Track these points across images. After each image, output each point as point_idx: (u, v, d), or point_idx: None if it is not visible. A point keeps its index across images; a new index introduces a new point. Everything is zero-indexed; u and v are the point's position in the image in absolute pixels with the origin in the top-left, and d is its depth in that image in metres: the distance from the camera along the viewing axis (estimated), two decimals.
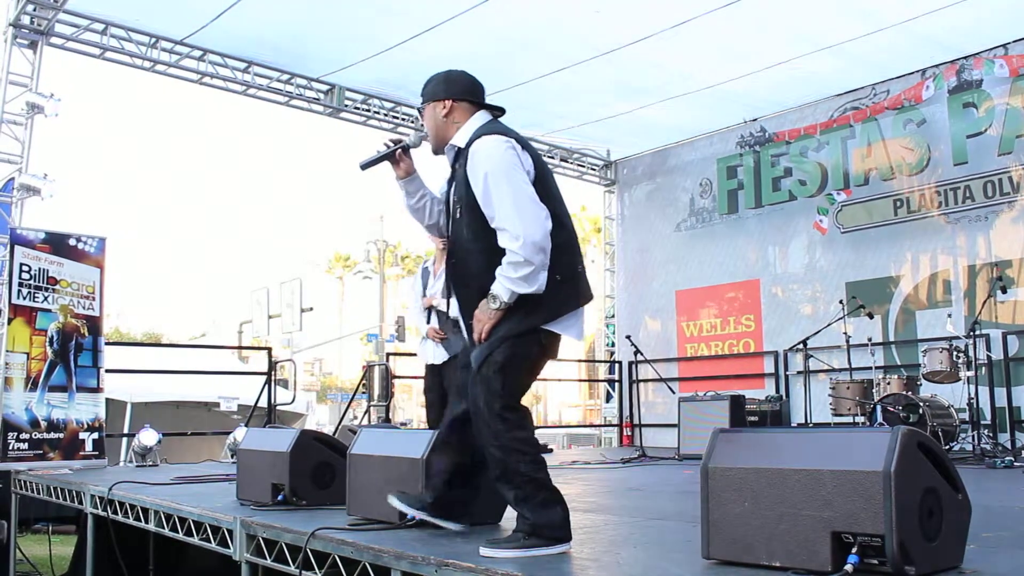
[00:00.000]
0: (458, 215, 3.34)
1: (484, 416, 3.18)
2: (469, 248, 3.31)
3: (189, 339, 40.37)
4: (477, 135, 3.30)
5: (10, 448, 7.16)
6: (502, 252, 3.14)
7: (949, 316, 8.92)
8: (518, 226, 3.11)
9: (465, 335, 3.42)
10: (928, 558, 2.46)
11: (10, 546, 7.10)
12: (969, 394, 7.79)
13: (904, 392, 8.04)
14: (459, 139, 3.38)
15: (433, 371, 6.84)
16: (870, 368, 8.58)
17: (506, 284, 3.13)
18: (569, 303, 3.28)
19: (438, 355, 6.71)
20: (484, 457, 3.31)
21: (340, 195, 77.10)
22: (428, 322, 6.80)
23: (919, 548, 2.42)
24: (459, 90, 3.44)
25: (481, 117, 3.43)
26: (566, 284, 3.25)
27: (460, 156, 3.35)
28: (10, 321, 7.32)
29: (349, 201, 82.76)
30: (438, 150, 3.51)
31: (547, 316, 3.23)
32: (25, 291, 7.44)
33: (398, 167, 3.53)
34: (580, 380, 24.52)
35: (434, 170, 3.66)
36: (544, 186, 3.26)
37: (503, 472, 3.17)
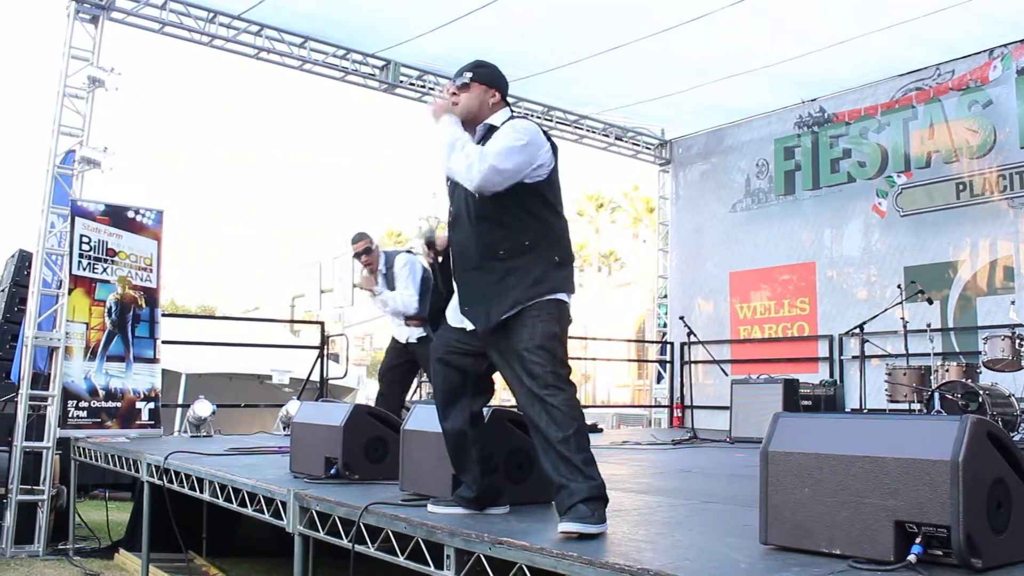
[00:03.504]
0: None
1: (550, 383, 3.27)
2: (475, 226, 3.54)
3: (242, 312, 40.89)
4: (513, 116, 3.64)
5: (70, 416, 7.31)
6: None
7: (1012, 303, 8.69)
8: (494, 157, 3.36)
9: (466, 323, 3.55)
10: (996, 551, 2.40)
11: (70, 510, 7.26)
12: None
13: (963, 380, 7.87)
14: (496, 119, 3.64)
15: (399, 350, 7.07)
16: (927, 355, 8.41)
17: (454, 147, 3.46)
18: (572, 286, 3.54)
19: (414, 333, 6.96)
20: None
21: (393, 171, 77.42)
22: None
23: (986, 540, 2.36)
24: (505, 88, 3.75)
25: (509, 111, 3.72)
26: (568, 268, 3.53)
27: (490, 133, 3.57)
28: (70, 291, 7.45)
29: (402, 177, 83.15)
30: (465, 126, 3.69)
31: (567, 291, 3.50)
32: (85, 262, 7.57)
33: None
34: (631, 360, 24.31)
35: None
36: (555, 184, 3.56)
37: (576, 432, 3.23)
